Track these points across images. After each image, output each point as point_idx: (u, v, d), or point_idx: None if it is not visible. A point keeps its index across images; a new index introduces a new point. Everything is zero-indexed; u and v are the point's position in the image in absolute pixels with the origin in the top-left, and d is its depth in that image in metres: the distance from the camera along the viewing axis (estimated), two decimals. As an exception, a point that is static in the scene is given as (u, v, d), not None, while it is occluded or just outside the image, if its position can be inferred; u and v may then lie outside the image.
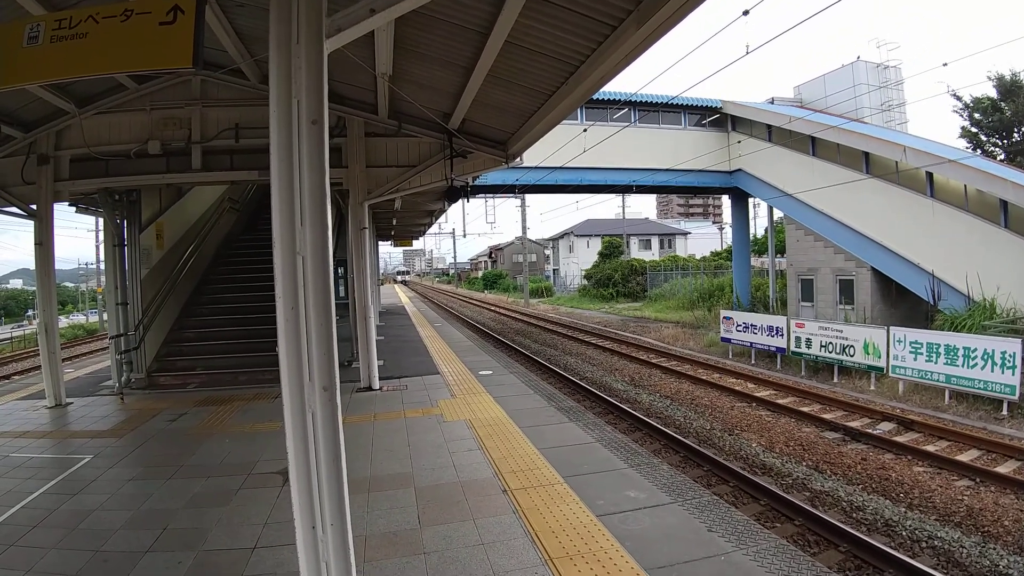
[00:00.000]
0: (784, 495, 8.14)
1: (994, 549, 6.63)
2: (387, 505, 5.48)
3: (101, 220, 15.93)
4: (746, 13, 10.15)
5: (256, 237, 16.83)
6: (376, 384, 10.65)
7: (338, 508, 3.32)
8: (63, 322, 38.53)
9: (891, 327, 13.83)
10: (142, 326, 11.50)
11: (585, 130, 22.63)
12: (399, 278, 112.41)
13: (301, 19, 3.36)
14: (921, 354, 12.58)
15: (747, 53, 12.36)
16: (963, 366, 11.73)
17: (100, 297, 40.30)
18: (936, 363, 12.26)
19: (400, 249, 76.19)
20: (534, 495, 5.56)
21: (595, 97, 24.12)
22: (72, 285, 75.71)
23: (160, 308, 12.34)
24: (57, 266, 10.95)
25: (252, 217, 19.08)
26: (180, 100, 10.19)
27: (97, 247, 40.81)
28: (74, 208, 12.11)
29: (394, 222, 24.86)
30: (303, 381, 3.21)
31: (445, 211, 25.23)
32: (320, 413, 3.24)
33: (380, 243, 36.89)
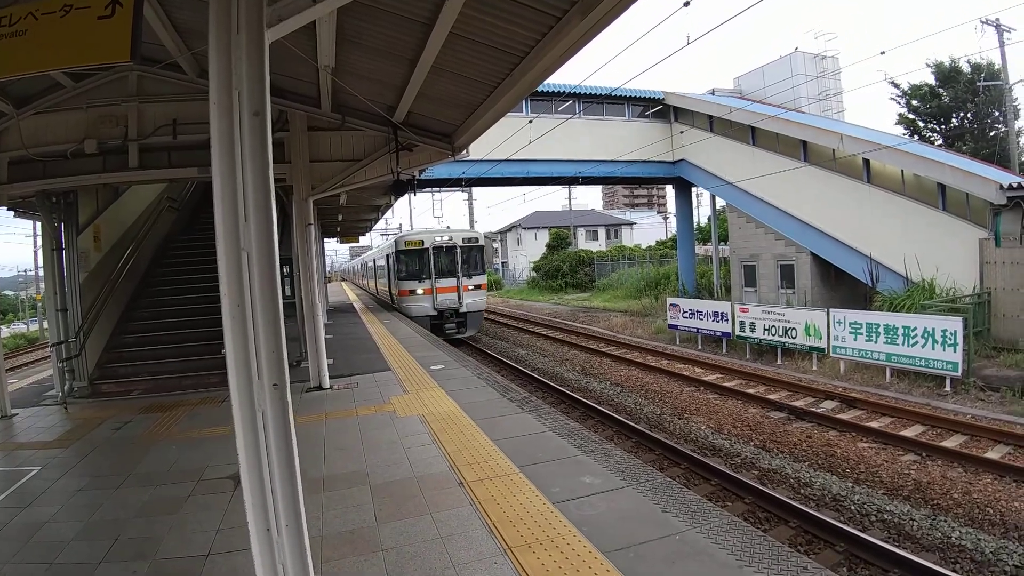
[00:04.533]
0: (734, 475, 8.36)
1: (945, 521, 6.90)
2: (342, 504, 5.41)
3: (39, 224, 15.36)
4: (687, 4, 10.32)
5: (197, 237, 16.37)
6: (326, 383, 10.49)
7: (292, 509, 3.26)
8: (4, 332, 36.69)
9: (831, 309, 14.30)
10: (82, 332, 11.10)
11: (531, 121, 22.74)
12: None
13: (241, 8, 3.27)
14: (861, 334, 13.05)
15: (688, 43, 12.59)
16: (903, 345, 12.20)
17: (40, 304, 38.64)
18: (876, 343, 12.73)
19: (347, 245, 74.53)
20: (490, 486, 5.57)
21: (540, 89, 24.15)
22: (12, 293, 72.23)
23: (100, 313, 11.92)
24: (-2, 274, 10.56)
25: (192, 216, 18.56)
26: (117, 97, 9.83)
27: (36, 252, 39.14)
28: (12, 213, 11.65)
29: (340, 218, 24.55)
30: (252, 379, 3.13)
31: (392, 206, 25.06)
32: (271, 411, 3.16)
33: (326, 240, 36.34)
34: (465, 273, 22.16)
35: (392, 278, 24.66)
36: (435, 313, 21.74)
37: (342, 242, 43.90)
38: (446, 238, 22.28)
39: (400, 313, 23.09)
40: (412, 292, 22.19)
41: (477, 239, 23.06)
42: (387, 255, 26.41)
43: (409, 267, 22.44)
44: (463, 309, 22.09)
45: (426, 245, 21.99)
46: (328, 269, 57.41)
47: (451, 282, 21.94)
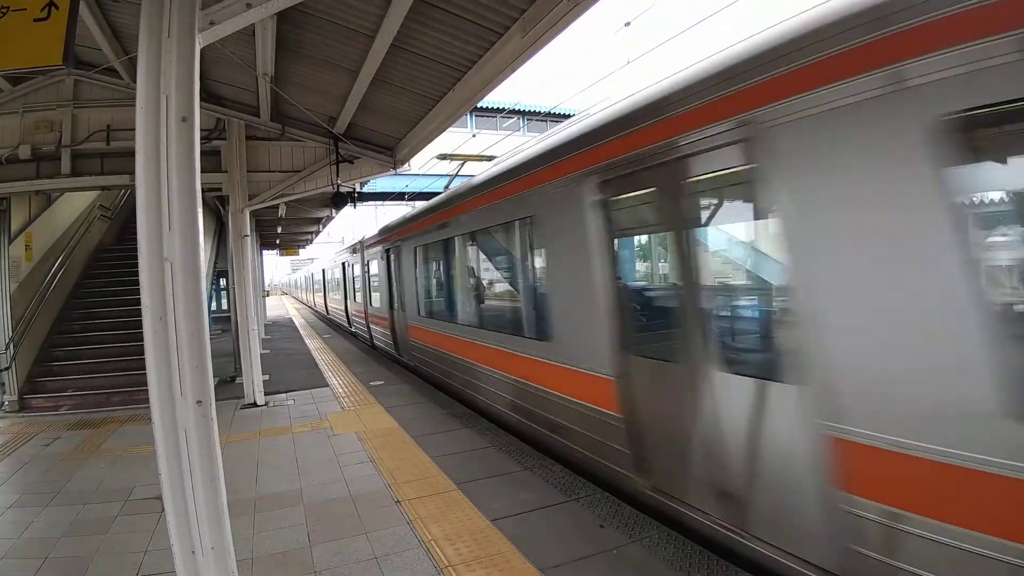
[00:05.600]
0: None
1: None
2: (275, 525, 5.24)
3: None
4: (627, 24, 10.54)
5: (129, 248, 15.78)
6: (261, 399, 10.20)
7: (218, 530, 3.14)
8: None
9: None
10: (13, 345, 10.62)
11: (474, 136, 22.84)
12: None
13: (173, 12, 3.19)
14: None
15: (627, 64, 12.80)
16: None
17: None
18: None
19: (288, 258, 72.56)
20: (428, 504, 5.48)
21: (484, 105, 24.38)
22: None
23: (30, 325, 11.43)
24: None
25: (124, 226, 17.90)
26: (53, 102, 9.53)
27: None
28: None
29: (279, 230, 24.08)
30: (174, 396, 3.00)
31: (333, 218, 24.74)
32: (194, 430, 3.03)
33: (266, 252, 35.54)
34: None
35: None
36: None
37: (283, 255, 42.94)
38: None
39: None
40: None
41: None
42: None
43: None
44: None
45: None
46: (268, 283, 56.14)
47: None
